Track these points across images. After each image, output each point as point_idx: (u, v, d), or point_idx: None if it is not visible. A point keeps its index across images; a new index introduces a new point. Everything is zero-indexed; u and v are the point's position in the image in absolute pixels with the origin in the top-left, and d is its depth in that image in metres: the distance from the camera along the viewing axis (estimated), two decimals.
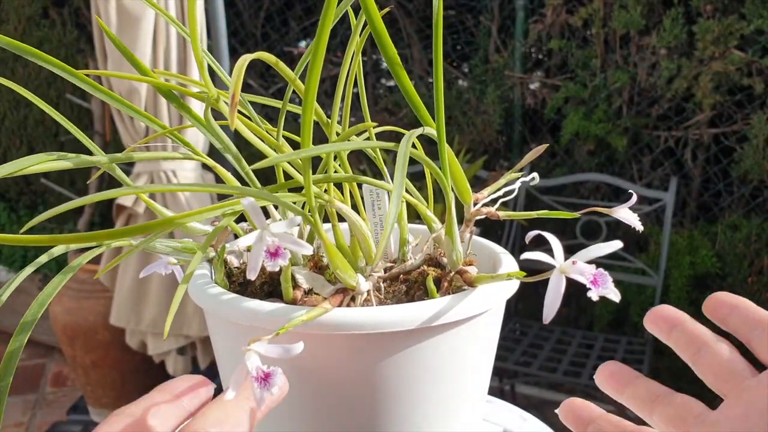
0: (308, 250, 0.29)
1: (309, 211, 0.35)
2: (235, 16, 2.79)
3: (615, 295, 0.30)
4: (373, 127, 0.42)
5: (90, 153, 0.37)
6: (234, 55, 2.84)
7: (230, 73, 0.40)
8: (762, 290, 1.95)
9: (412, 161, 0.34)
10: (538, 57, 2.34)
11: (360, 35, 0.40)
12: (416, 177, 2.11)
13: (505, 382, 2.01)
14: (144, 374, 2.01)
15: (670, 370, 2.16)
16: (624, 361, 2.05)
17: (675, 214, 2.08)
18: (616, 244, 0.32)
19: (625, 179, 2.13)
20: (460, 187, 0.38)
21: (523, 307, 2.24)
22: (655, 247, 2.08)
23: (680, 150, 2.15)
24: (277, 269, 0.30)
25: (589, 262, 0.32)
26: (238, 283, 0.41)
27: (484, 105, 2.32)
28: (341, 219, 0.39)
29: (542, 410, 2.22)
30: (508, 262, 0.41)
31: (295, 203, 0.35)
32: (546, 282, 0.31)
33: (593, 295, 0.30)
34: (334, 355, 0.34)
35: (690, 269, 2.00)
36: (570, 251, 0.31)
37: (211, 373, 1.98)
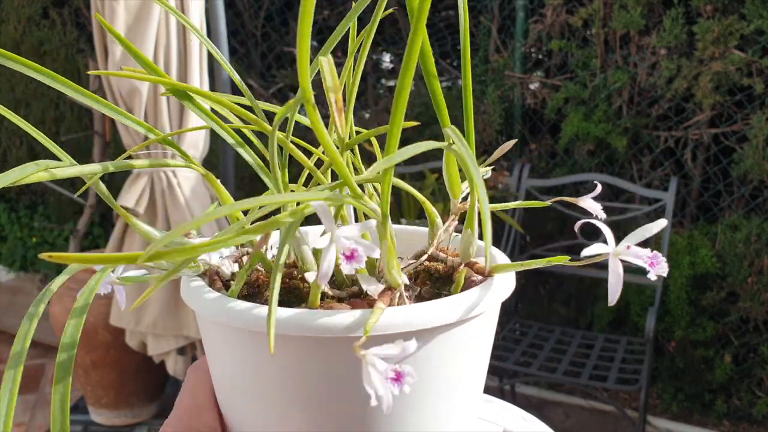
0: (378, 252, 0.30)
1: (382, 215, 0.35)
2: (235, 16, 2.79)
3: (664, 271, 0.33)
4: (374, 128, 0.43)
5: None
6: (234, 55, 2.84)
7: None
8: (762, 290, 1.95)
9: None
10: (538, 57, 2.34)
11: (360, 36, 0.40)
12: (416, 177, 2.11)
13: (505, 382, 2.01)
14: (144, 374, 2.02)
15: (671, 370, 2.16)
16: (624, 361, 2.03)
17: (675, 214, 2.08)
18: (661, 223, 0.34)
19: (625, 179, 2.13)
20: (452, 181, 0.40)
21: (523, 307, 2.24)
22: (654, 247, 2.06)
23: (680, 150, 2.15)
24: (353, 272, 0.30)
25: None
26: (242, 294, 0.40)
27: (484, 105, 2.33)
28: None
29: (542, 410, 2.22)
30: (496, 254, 0.41)
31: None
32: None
33: (652, 275, 0.32)
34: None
35: (690, 269, 2.00)
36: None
37: None
